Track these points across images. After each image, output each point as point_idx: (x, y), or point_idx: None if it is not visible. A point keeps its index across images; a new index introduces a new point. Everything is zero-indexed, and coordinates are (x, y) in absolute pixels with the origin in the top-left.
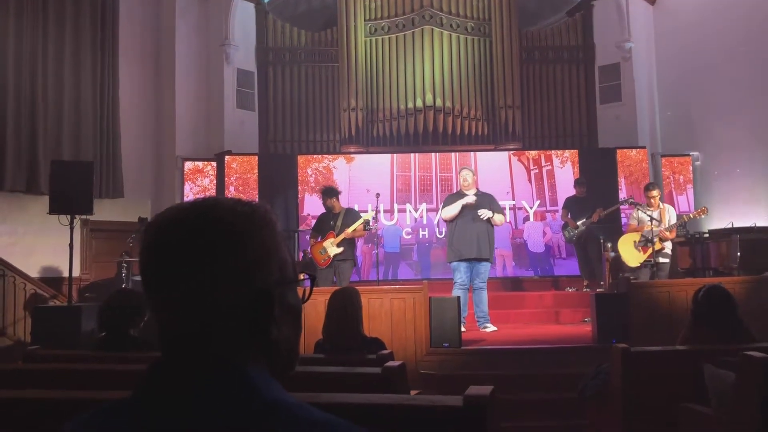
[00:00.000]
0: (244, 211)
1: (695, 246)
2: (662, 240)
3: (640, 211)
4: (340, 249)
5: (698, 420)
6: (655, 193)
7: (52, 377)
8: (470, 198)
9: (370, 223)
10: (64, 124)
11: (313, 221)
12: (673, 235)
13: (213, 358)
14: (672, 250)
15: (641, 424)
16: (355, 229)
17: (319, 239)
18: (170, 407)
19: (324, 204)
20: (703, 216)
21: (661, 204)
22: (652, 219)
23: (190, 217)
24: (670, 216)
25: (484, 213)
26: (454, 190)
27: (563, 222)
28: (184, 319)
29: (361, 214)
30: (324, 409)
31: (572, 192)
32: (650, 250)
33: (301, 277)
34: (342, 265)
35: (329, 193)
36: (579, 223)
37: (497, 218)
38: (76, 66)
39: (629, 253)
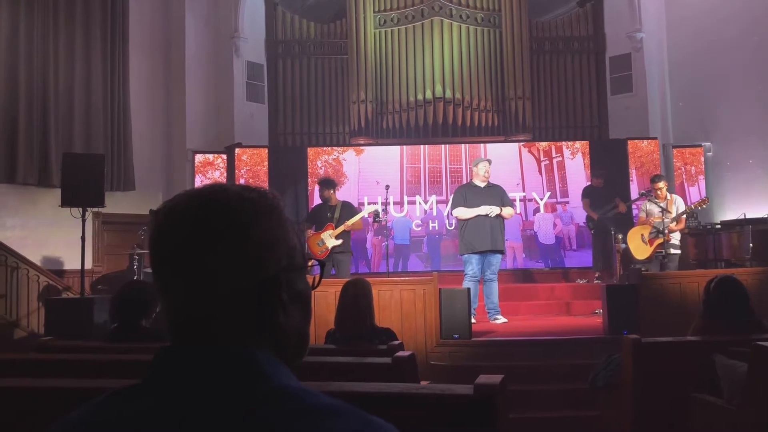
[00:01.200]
0: (251, 197)
1: (707, 237)
2: (669, 231)
3: (649, 203)
4: (339, 241)
5: (710, 410)
6: (661, 184)
7: (64, 367)
8: (484, 210)
9: (380, 215)
10: (75, 117)
11: None
12: (681, 226)
13: (220, 343)
14: (681, 241)
15: (652, 415)
16: (354, 223)
17: (314, 230)
18: (176, 392)
19: (321, 195)
20: (704, 206)
21: (669, 195)
22: (663, 210)
23: (197, 203)
24: (677, 207)
25: (492, 210)
26: (464, 182)
27: (587, 213)
28: (192, 305)
29: (360, 209)
30: (334, 397)
31: (584, 183)
32: (657, 242)
33: (310, 264)
34: (340, 258)
35: (328, 184)
36: (599, 212)
37: (506, 212)
38: (86, 59)
39: (637, 246)
